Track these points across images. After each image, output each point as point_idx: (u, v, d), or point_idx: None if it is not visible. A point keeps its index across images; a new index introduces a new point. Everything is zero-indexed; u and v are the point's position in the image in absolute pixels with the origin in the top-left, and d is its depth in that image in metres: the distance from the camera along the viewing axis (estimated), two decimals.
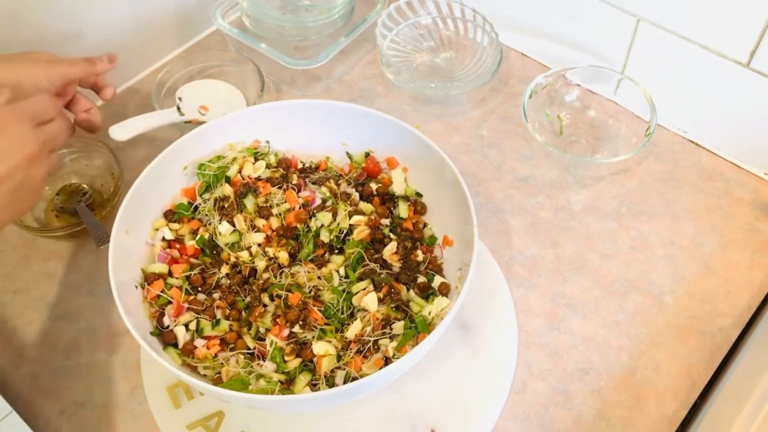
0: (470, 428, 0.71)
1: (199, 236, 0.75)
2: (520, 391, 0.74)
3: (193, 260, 0.75)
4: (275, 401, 0.62)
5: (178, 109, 0.89)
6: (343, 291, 0.72)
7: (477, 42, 1.01)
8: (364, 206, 0.79)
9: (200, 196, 0.78)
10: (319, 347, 0.68)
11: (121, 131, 0.83)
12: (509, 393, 0.74)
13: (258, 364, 0.68)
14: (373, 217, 0.78)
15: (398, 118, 0.77)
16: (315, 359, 0.68)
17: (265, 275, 0.73)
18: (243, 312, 0.72)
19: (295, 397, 0.62)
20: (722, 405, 0.71)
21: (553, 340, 0.77)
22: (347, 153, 0.83)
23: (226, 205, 0.76)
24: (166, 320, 0.71)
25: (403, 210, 0.79)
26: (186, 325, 0.71)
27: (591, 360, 0.76)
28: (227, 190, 0.77)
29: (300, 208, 0.77)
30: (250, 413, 0.72)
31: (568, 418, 0.72)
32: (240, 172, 0.78)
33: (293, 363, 0.68)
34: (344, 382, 0.67)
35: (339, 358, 0.69)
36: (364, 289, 0.72)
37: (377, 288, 0.72)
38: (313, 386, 0.68)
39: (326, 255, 0.76)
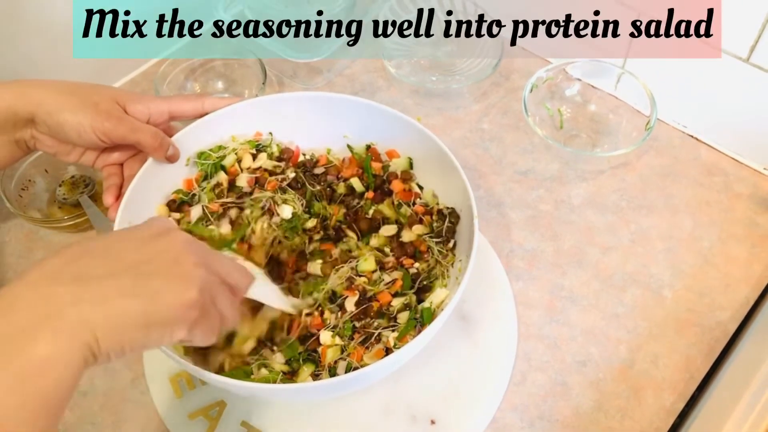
0: (469, 419, 0.72)
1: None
2: (519, 382, 0.75)
3: None
4: (278, 390, 0.63)
5: None
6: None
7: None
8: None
9: (198, 185, 0.78)
10: (325, 336, 0.69)
11: None
12: (508, 384, 0.74)
13: (263, 352, 0.69)
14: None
15: (399, 111, 0.77)
16: (320, 349, 0.69)
17: None
18: None
19: (297, 386, 0.62)
20: (720, 397, 0.72)
21: (552, 333, 0.78)
22: (348, 146, 0.83)
23: (216, 191, 0.77)
24: None
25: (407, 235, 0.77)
26: None
27: (590, 352, 0.77)
28: (221, 177, 0.77)
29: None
30: (251, 403, 0.73)
31: (567, 409, 0.73)
32: (240, 163, 0.79)
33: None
34: (346, 372, 0.67)
35: (342, 350, 0.69)
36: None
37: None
38: (315, 377, 0.68)
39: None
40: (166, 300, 0.47)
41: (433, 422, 0.72)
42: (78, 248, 0.47)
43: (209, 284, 0.50)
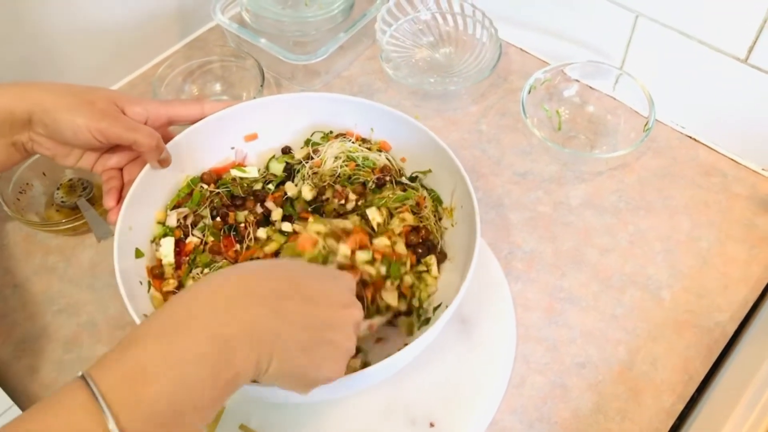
0: (469, 422, 0.72)
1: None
2: (518, 384, 0.75)
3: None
4: (274, 390, 0.63)
5: None
6: None
7: (476, 37, 1.01)
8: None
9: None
10: None
11: None
12: (507, 387, 0.74)
13: None
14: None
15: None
16: None
17: None
18: None
19: None
20: (719, 399, 0.72)
21: (551, 334, 0.78)
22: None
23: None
24: None
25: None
26: None
27: (589, 354, 0.76)
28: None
29: None
30: (249, 406, 0.73)
31: (566, 411, 0.73)
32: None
33: None
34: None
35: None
36: None
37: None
38: None
39: None
40: (322, 373, 0.54)
41: (432, 425, 0.71)
42: (288, 280, 0.53)
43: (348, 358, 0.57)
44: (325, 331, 0.53)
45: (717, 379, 0.74)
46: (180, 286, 0.72)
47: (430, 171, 0.79)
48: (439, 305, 0.72)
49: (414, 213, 0.76)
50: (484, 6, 1.00)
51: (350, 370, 0.64)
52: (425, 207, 0.77)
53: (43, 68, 0.91)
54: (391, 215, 0.76)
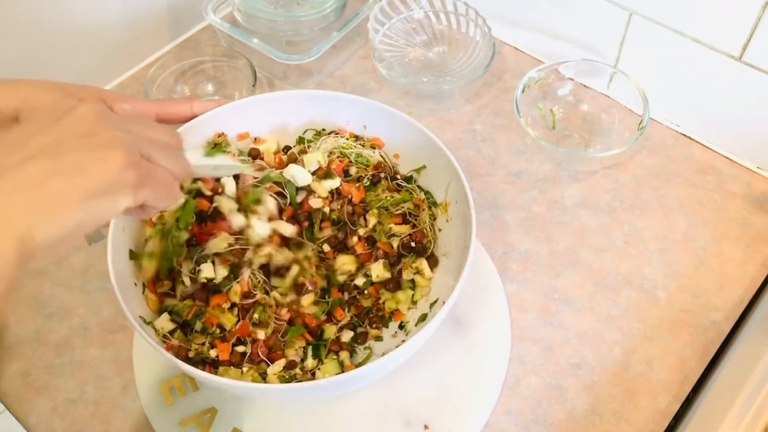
0: (463, 423, 0.71)
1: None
2: (513, 386, 0.74)
3: None
4: (270, 390, 0.63)
5: None
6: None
7: (470, 36, 1.01)
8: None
9: None
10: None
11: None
12: (502, 388, 0.74)
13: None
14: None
15: None
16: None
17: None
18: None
19: (289, 387, 0.61)
20: (714, 399, 0.71)
21: (547, 335, 0.78)
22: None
23: None
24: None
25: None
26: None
27: (584, 355, 0.76)
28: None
29: None
30: (243, 410, 0.72)
31: (561, 412, 0.72)
32: None
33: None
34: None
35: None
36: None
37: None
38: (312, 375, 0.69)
39: None
40: (93, 170, 0.44)
41: (426, 427, 0.71)
42: None
43: (135, 143, 0.48)
44: (57, 147, 0.45)
45: (713, 379, 0.74)
46: (174, 286, 0.72)
47: (425, 167, 0.78)
48: (435, 301, 0.72)
49: (410, 215, 0.76)
50: (478, 4, 0.99)
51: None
52: (423, 210, 0.76)
53: (34, 69, 0.90)
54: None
